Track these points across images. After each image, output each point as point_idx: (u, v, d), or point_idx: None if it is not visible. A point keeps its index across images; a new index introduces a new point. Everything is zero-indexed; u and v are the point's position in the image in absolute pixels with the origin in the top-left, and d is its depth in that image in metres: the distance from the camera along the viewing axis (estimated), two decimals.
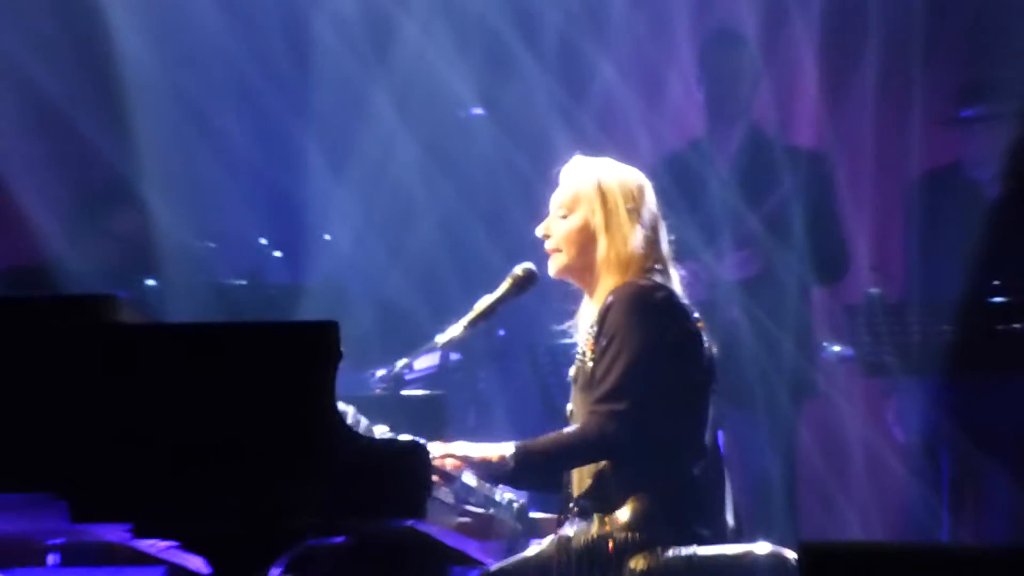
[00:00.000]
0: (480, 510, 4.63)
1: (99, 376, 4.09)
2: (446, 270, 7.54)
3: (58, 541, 6.78)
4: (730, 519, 4.76)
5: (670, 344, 4.67)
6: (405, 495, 4.05)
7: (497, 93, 7.93)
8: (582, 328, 4.82)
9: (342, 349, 4.08)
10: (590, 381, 4.68)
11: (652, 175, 4.89)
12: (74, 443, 4.05)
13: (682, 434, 4.67)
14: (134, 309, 4.27)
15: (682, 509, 4.63)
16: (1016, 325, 6.76)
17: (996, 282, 6.82)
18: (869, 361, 6.89)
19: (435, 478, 4.24)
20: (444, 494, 4.38)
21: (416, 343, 5.23)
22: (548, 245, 4.83)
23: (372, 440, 4.11)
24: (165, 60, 7.73)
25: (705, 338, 4.77)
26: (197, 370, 4.11)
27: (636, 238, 4.75)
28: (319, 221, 7.89)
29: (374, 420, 4.29)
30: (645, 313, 4.65)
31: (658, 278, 4.74)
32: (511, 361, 7.47)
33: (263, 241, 7.65)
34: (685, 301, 4.76)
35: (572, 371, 4.83)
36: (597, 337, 4.68)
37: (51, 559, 6.89)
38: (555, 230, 4.82)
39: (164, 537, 4.12)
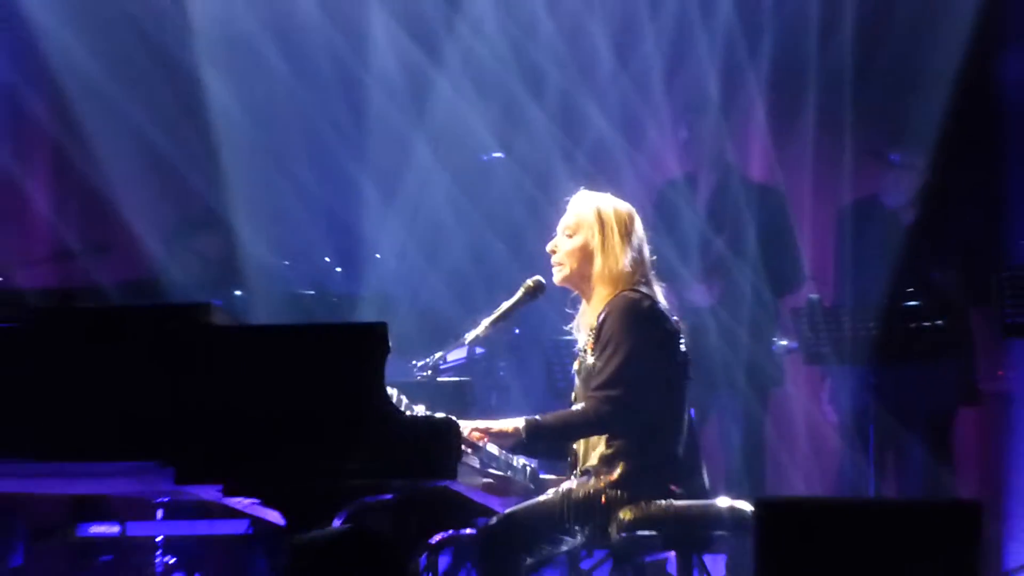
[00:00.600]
0: (500, 473, 4.62)
1: (197, 368, 4.10)
2: (473, 281, 7.52)
3: (164, 500, 6.81)
4: (706, 480, 4.75)
5: (654, 343, 4.66)
6: (440, 461, 4.06)
7: (512, 138, 7.93)
8: (582, 328, 4.81)
9: (390, 344, 4.08)
10: (590, 373, 4.68)
11: (640, 208, 4.89)
12: (178, 422, 4.06)
13: (664, 413, 4.66)
14: (225, 314, 4.28)
15: (663, 472, 4.62)
16: (926, 323, 6.76)
17: (910, 289, 6.81)
18: (810, 352, 6.87)
19: (464, 447, 4.25)
20: (471, 460, 4.38)
21: (449, 339, 5.22)
22: (554, 259, 4.81)
23: (414, 417, 4.11)
24: (250, 114, 7.75)
25: (682, 337, 4.77)
26: (275, 362, 4.12)
27: (626, 257, 4.74)
28: (371, 242, 7.88)
29: (415, 401, 4.28)
30: (635, 319, 4.64)
31: (644, 289, 4.73)
32: (525, 353, 7.44)
33: (327, 259, 7.65)
34: (666, 307, 4.76)
35: (575, 365, 4.81)
36: (596, 339, 4.67)
37: (159, 514, 6.92)
38: (561, 247, 4.81)
39: (248, 496, 4.13)
